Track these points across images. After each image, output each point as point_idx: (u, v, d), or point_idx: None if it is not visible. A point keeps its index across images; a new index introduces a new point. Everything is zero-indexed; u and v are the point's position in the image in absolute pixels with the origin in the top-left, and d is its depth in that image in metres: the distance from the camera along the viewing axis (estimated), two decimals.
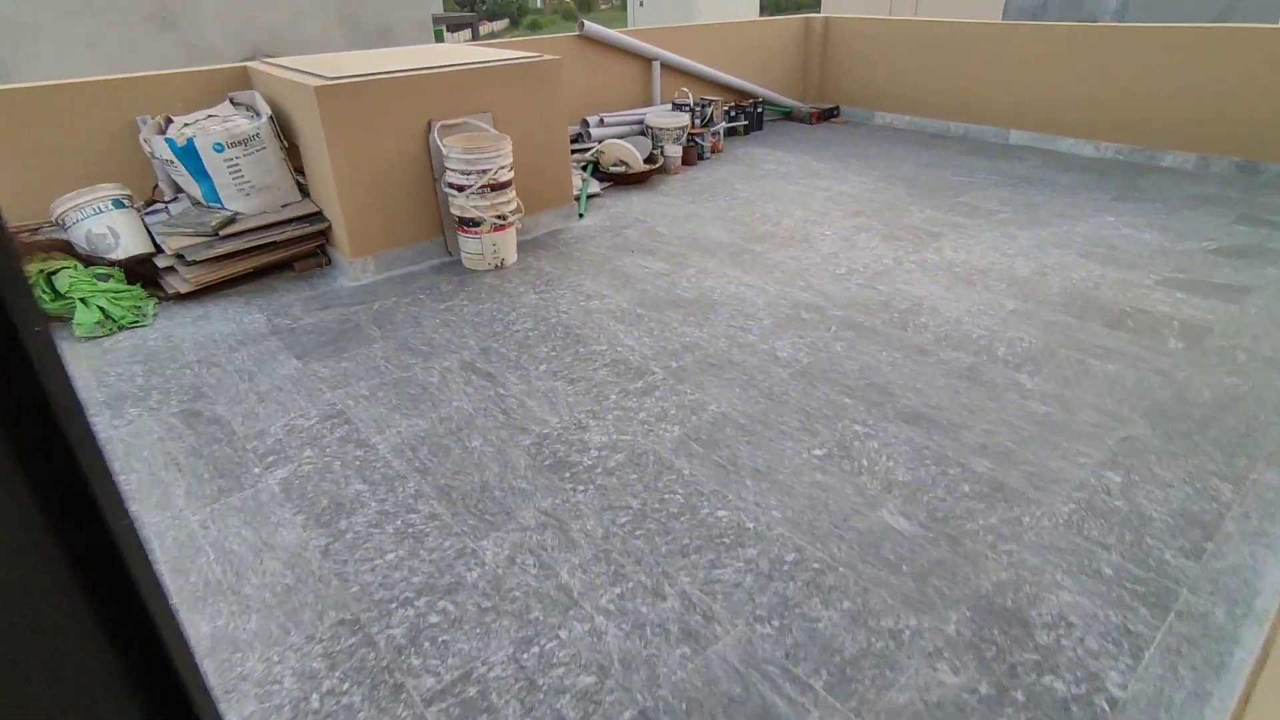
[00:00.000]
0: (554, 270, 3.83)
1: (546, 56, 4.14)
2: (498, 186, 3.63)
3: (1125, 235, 4.20)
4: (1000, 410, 2.59)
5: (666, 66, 6.33)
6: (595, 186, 5.08)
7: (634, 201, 4.93)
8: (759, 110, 6.81)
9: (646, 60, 6.21)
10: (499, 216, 3.70)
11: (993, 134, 6.43)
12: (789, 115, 7.33)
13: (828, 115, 7.31)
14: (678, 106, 5.92)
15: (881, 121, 7.15)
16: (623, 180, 5.23)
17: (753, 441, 2.45)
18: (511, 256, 3.89)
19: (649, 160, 5.43)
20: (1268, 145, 5.15)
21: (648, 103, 6.30)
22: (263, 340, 3.21)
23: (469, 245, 3.77)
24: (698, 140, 5.81)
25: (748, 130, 6.73)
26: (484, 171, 3.55)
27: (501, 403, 2.70)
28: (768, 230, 4.36)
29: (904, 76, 6.88)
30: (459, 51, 4.41)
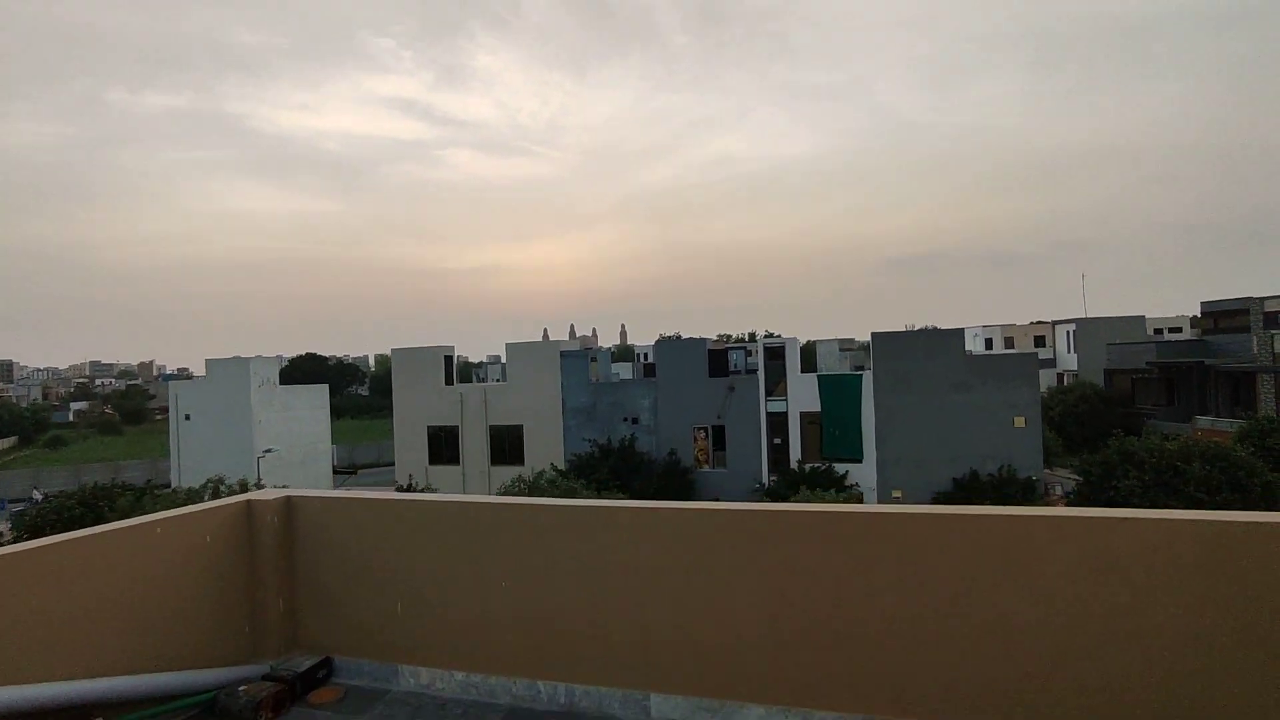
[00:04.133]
0: None
1: None
2: None
3: None
4: None
5: None
6: None
7: None
8: None
9: None
10: None
11: (621, 703, 3.30)
12: (212, 708, 3.40)
13: (306, 686, 3.57)
14: None
15: (409, 686, 3.62)
16: None
17: None
18: None
19: None
20: None
21: None
22: None
23: None
24: None
25: None
26: None
27: None
28: None
29: (443, 597, 3.62)
30: None
